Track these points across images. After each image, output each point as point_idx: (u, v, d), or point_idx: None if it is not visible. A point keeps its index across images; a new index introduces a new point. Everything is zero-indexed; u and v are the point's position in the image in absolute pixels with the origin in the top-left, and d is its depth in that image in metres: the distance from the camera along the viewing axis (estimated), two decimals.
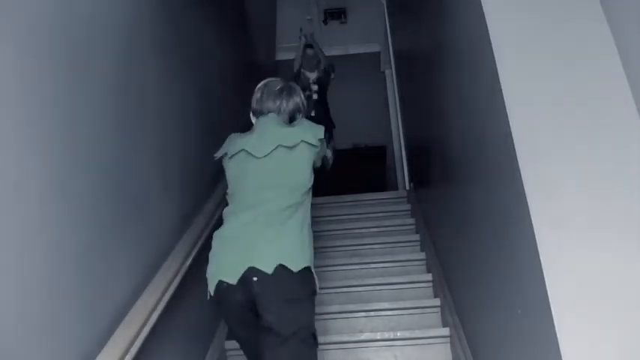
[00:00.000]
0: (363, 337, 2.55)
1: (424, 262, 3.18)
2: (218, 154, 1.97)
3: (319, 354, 2.51)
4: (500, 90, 1.40)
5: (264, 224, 1.74)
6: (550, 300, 1.17)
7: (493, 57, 1.44)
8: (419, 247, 3.39)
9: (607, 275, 1.18)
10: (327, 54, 4.81)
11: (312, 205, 1.89)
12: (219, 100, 2.99)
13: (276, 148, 1.84)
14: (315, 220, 3.83)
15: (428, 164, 3.20)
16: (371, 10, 5.69)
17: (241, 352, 2.52)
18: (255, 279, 1.67)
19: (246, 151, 1.86)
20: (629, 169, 1.28)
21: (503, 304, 1.59)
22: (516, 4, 1.51)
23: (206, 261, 1.82)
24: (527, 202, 1.27)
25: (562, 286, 1.18)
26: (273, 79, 2.06)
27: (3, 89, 1.14)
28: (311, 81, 4.45)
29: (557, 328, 1.14)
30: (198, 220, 2.15)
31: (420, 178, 3.74)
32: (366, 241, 3.53)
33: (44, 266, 1.21)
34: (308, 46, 4.57)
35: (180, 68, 2.32)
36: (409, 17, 3.62)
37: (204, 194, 2.39)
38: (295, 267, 1.69)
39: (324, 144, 1.98)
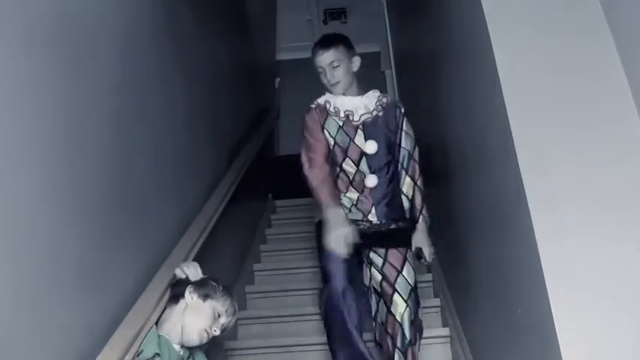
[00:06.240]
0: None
1: None
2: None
3: (319, 354, 2.52)
4: (501, 90, 1.40)
5: None
6: (550, 300, 1.17)
7: (493, 56, 1.44)
8: None
9: (607, 275, 1.18)
10: None
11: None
12: (219, 101, 2.99)
13: None
14: (315, 220, 3.81)
15: (428, 164, 3.19)
16: (371, 10, 5.67)
17: (241, 352, 2.53)
18: None
19: None
20: (630, 172, 1.28)
21: (504, 304, 1.59)
22: (517, 4, 1.51)
23: (205, 263, 1.81)
24: (527, 202, 1.27)
25: (562, 286, 1.18)
26: None
27: None
28: None
29: (557, 328, 1.14)
30: (196, 222, 2.15)
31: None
32: None
33: (42, 268, 1.20)
34: None
35: (179, 69, 2.32)
36: (409, 17, 3.62)
37: (203, 197, 2.39)
38: None
39: None
